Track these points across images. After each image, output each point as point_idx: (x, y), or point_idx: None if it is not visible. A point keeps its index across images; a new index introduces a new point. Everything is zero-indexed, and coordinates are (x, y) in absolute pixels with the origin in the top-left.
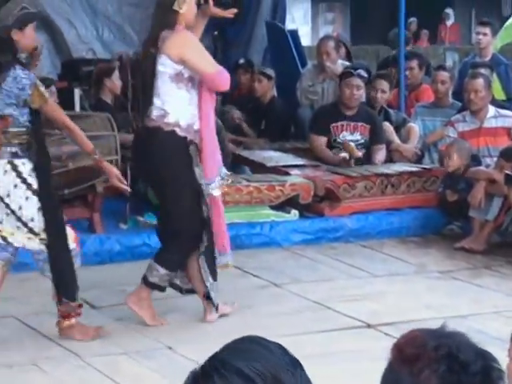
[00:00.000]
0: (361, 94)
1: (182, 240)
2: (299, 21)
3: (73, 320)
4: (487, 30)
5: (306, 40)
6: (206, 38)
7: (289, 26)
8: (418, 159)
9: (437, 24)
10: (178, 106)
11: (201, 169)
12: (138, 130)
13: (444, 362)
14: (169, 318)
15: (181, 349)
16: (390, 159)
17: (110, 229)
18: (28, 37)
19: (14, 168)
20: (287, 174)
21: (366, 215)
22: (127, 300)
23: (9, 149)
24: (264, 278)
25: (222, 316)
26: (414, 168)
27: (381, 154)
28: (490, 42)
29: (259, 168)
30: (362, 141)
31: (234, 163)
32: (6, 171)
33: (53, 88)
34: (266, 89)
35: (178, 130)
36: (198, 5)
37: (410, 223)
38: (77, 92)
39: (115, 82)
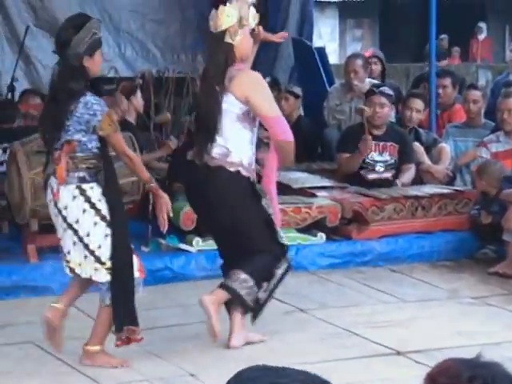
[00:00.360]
0: (386, 113)
1: (266, 256)
2: (326, 37)
3: (97, 347)
4: None
5: (333, 57)
6: None
7: (316, 43)
8: (450, 181)
9: (468, 41)
10: (240, 145)
11: (267, 198)
12: (197, 166)
13: None
14: (191, 344)
15: (203, 375)
16: (420, 181)
17: None
18: (97, 62)
19: (83, 193)
20: (314, 195)
21: (395, 238)
22: (203, 299)
23: (76, 174)
24: (289, 303)
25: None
26: (445, 190)
27: (407, 174)
28: None
29: (285, 189)
30: (392, 161)
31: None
32: (74, 197)
33: None
34: (293, 108)
35: (241, 169)
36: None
37: (441, 247)
38: None
39: (139, 100)
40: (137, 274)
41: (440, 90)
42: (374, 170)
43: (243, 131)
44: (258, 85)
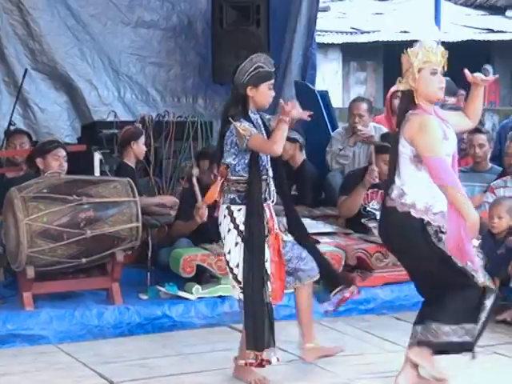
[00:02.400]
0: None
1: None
2: (329, 80)
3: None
4: None
5: (336, 101)
6: None
7: (319, 86)
8: None
9: None
10: (416, 187)
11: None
12: (382, 208)
13: None
14: None
15: None
16: None
17: (129, 299)
18: (262, 94)
19: (230, 213)
20: (317, 242)
21: (399, 286)
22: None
23: (229, 195)
24: (291, 351)
25: None
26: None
27: None
28: None
29: None
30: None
31: None
32: (224, 216)
33: (60, 151)
34: (292, 152)
35: (412, 211)
36: None
37: None
38: (97, 156)
39: (141, 146)
40: (268, 299)
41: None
42: (375, 219)
43: (419, 173)
44: (424, 126)
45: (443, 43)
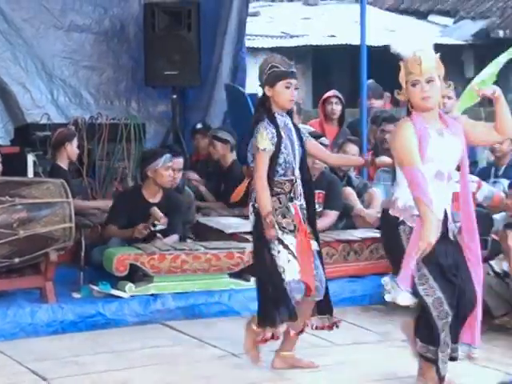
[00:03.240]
0: (322, 165)
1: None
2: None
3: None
4: (451, 93)
5: None
6: (165, 101)
7: (249, 88)
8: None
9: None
10: (402, 187)
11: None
12: None
13: None
14: None
15: None
16: (352, 225)
17: (62, 298)
18: (279, 93)
19: (255, 211)
20: (247, 240)
21: (327, 283)
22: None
23: (253, 194)
24: (222, 348)
25: None
26: (377, 234)
27: (325, 220)
28: (454, 104)
29: (218, 235)
30: (320, 209)
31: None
32: (250, 213)
33: None
34: (223, 152)
35: (391, 209)
36: None
37: (373, 290)
38: (30, 157)
39: (74, 148)
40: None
41: (387, 136)
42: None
43: (402, 175)
44: (395, 135)
45: (368, 47)
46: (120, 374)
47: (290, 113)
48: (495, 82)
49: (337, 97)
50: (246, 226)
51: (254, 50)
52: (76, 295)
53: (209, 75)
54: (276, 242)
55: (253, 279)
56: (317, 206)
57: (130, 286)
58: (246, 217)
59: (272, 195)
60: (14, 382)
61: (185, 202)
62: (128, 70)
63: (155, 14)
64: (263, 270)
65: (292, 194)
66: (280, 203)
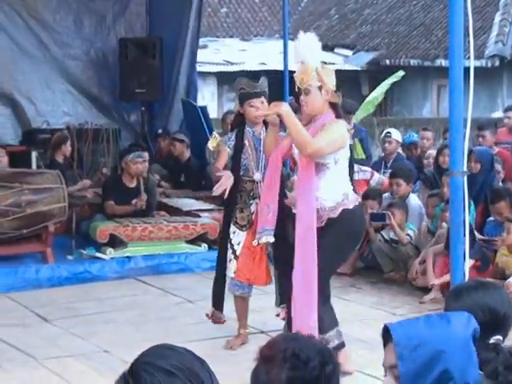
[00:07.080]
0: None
1: None
2: (208, 98)
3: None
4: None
5: (213, 114)
6: (135, 112)
7: (199, 102)
8: None
9: None
10: None
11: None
12: None
13: (289, 361)
14: (105, 327)
15: (115, 351)
16: None
17: (59, 260)
18: (246, 110)
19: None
20: (199, 216)
21: None
22: None
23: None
24: (181, 296)
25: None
26: None
27: None
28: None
29: (177, 211)
30: None
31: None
32: None
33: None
34: (181, 150)
35: None
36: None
37: None
38: (34, 154)
39: (68, 147)
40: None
41: None
42: None
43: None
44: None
45: (290, 72)
46: (104, 316)
47: (266, 123)
48: (384, 98)
49: None
50: (198, 205)
51: (203, 74)
52: (69, 257)
53: (169, 92)
54: (229, 241)
55: (203, 245)
56: None
57: (110, 250)
58: (199, 198)
59: (237, 191)
60: (24, 323)
61: (155, 187)
62: (108, 88)
63: (128, 46)
64: (218, 259)
65: (252, 194)
66: (241, 198)
